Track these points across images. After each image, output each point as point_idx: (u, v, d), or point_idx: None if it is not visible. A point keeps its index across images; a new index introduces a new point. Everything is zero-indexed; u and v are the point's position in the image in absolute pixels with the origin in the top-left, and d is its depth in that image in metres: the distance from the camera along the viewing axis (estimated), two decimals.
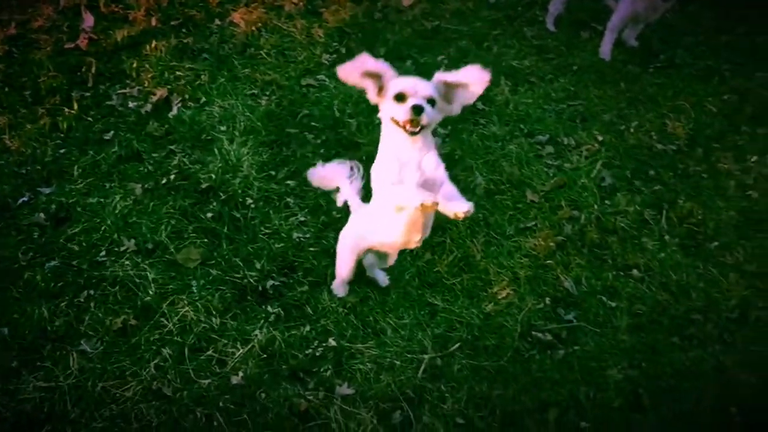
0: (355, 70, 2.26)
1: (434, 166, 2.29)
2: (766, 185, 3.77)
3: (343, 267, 2.86)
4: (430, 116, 2.20)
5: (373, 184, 2.41)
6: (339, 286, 3.02)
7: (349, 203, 2.82)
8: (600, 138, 3.99)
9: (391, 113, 2.24)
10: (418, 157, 2.27)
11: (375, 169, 2.38)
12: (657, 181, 3.76)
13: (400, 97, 2.20)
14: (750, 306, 3.14)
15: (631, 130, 4.08)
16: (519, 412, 2.67)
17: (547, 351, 2.90)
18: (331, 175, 2.87)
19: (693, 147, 4.01)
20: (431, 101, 2.21)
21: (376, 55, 4.38)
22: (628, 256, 3.32)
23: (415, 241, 2.52)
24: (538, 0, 5.19)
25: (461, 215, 2.16)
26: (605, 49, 4.71)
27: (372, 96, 2.32)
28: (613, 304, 3.11)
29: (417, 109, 2.16)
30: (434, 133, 2.32)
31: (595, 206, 3.54)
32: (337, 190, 2.88)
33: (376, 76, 2.27)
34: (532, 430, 2.62)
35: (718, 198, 3.68)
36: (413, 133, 2.21)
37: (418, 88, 2.21)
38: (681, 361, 2.91)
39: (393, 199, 2.30)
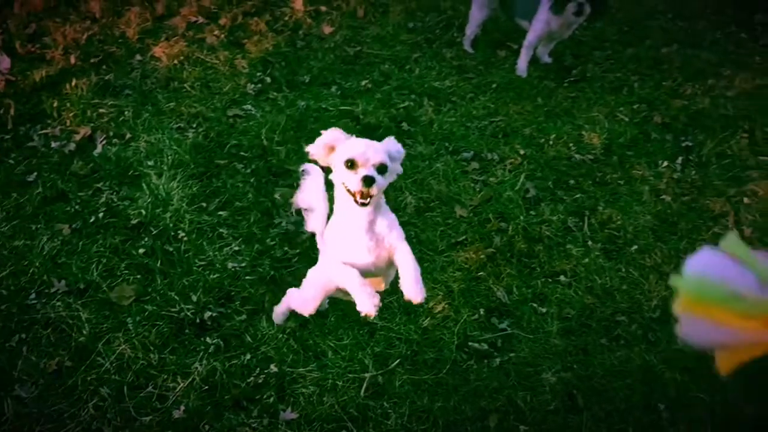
0: (321, 147, 2.18)
1: (387, 230, 2.24)
2: (677, 189, 3.99)
3: (309, 304, 2.70)
4: (380, 185, 2.10)
5: (328, 244, 2.37)
6: (280, 315, 3.00)
7: (317, 239, 2.68)
8: (522, 151, 4.15)
9: (341, 179, 2.14)
10: (371, 218, 2.20)
11: (328, 232, 2.35)
12: (577, 189, 3.94)
13: (351, 164, 2.09)
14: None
15: (551, 142, 4.26)
16: (461, 421, 2.74)
17: (484, 360, 2.99)
18: (318, 190, 2.63)
19: (608, 155, 4.22)
20: (382, 168, 2.11)
21: (300, 82, 4.50)
22: (555, 263, 3.46)
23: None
24: (455, 23, 5.37)
25: (415, 303, 2.14)
26: (522, 66, 4.91)
27: (318, 152, 2.22)
28: (544, 310, 3.23)
29: (368, 181, 2.05)
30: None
31: (521, 217, 3.68)
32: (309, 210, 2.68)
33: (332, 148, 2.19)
34: None
35: (635, 203, 3.88)
36: (364, 204, 2.11)
37: (369, 155, 2.10)
38: (610, 362, 3.03)
39: (342, 282, 2.23)
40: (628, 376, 2.97)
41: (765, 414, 2.82)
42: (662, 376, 2.99)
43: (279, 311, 3.00)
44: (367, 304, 2.11)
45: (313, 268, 2.64)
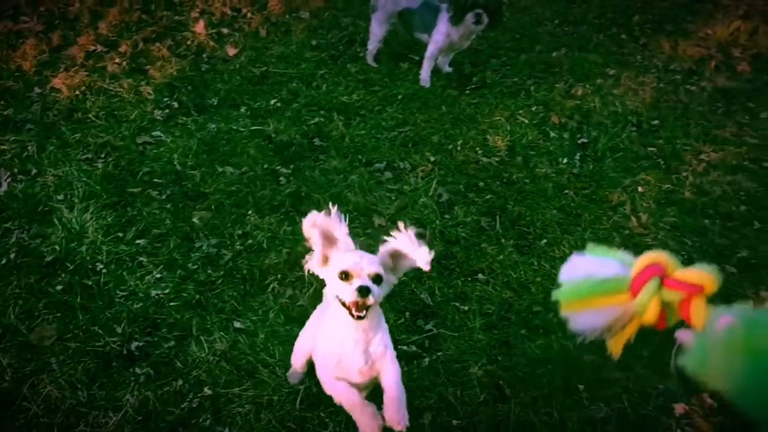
0: (316, 224, 2.06)
1: (382, 350, 2.18)
2: (578, 183, 4.25)
3: (295, 359, 2.75)
4: (376, 296, 2.02)
5: (319, 353, 2.32)
6: (291, 374, 2.91)
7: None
8: (432, 158, 4.31)
9: (335, 291, 2.07)
10: (366, 337, 2.15)
11: (319, 350, 2.30)
12: (487, 191, 4.13)
13: (345, 276, 2.03)
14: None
15: (458, 147, 4.45)
16: None
17: (414, 361, 3.10)
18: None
19: (513, 156, 4.45)
20: (378, 279, 2.05)
21: (209, 105, 4.49)
22: (472, 263, 3.62)
23: None
24: (357, 38, 5.51)
25: (396, 429, 2.07)
26: (425, 77, 5.09)
27: (315, 262, 2.11)
28: (466, 308, 3.37)
29: (363, 291, 1.98)
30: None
31: (437, 221, 3.83)
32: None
33: (331, 240, 2.09)
34: None
35: (541, 199, 4.10)
36: (359, 317, 2.04)
37: (363, 265, 2.04)
38: (531, 351, 3.21)
39: (340, 402, 2.19)
40: (548, 363, 3.15)
41: None
42: (579, 359, 3.18)
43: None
44: (370, 427, 2.08)
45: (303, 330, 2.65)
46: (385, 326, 2.26)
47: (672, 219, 4.02)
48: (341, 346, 2.17)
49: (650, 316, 1.09)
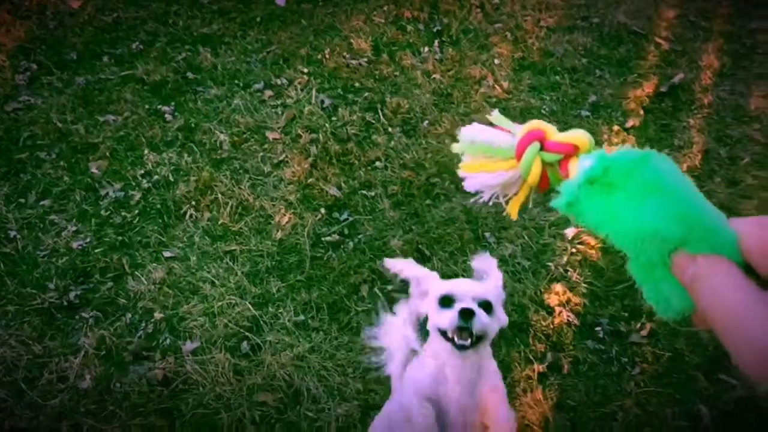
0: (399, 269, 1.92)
1: (491, 392, 1.84)
2: (442, 67, 4.61)
3: None
4: (484, 324, 1.72)
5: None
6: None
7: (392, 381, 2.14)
8: (305, 70, 4.50)
9: (435, 321, 1.80)
10: (473, 374, 1.83)
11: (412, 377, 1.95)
12: (364, 89, 4.39)
13: (446, 301, 1.77)
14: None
15: (327, 56, 4.65)
16: (339, 299, 3.15)
17: (340, 247, 3.40)
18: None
19: (378, 54, 4.71)
20: (487, 305, 1.77)
21: (69, 60, 4.39)
22: (368, 154, 3.91)
23: None
24: None
25: None
26: None
27: (418, 305, 1.89)
28: (372, 193, 3.68)
29: (466, 315, 1.70)
30: None
31: (327, 125, 4.07)
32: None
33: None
34: (353, 308, 3.12)
35: (413, 87, 4.43)
36: (463, 347, 1.74)
37: (468, 286, 1.80)
38: (439, 215, 3.59)
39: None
40: (455, 222, 3.55)
41: None
42: (480, 213, 3.61)
43: None
44: None
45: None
46: (497, 370, 1.94)
47: (529, 81, 4.49)
48: (441, 381, 1.85)
49: (533, 176, 1.22)
